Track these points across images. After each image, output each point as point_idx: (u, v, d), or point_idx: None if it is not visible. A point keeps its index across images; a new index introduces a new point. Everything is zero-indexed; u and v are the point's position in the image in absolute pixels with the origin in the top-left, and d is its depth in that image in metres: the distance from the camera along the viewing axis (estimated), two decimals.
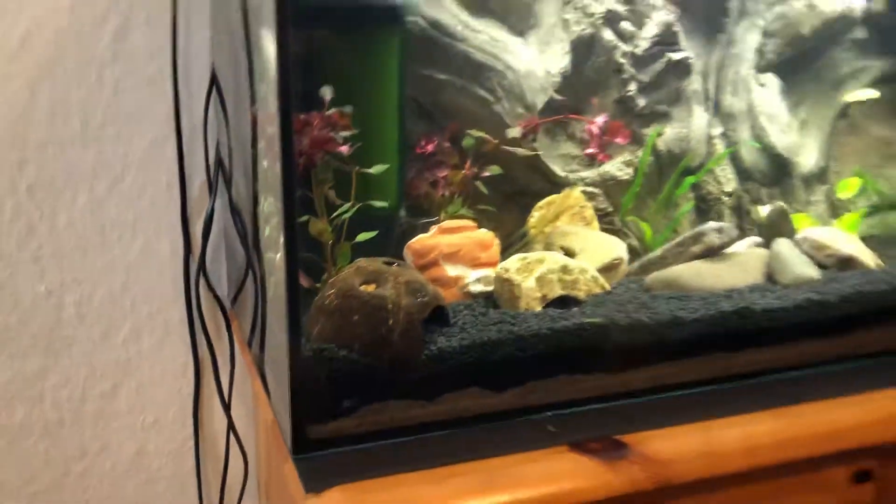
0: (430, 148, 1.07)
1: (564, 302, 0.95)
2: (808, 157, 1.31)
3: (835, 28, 1.25)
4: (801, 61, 1.28)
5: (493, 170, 1.08)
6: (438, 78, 1.07)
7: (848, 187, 1.26)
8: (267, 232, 0.84)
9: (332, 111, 0.86)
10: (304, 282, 0.85)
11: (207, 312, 1.19)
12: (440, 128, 1.08)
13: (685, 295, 1.00)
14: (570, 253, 1.02)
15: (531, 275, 0.93)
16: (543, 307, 0.93)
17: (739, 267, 1.07)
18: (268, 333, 0.93)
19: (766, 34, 1.25)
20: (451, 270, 0.94)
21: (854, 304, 1.02)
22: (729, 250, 1.09)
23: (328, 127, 0.83)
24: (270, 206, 0.80)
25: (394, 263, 0.86)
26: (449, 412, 0.84)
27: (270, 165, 0.80)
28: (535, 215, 1.13)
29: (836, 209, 1.35)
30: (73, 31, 1.06)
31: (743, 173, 1.27)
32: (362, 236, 0.92)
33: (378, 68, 0.96)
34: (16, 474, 1.14)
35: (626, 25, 1.14)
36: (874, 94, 1.26)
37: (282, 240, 0.76)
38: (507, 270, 0.94)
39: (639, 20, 1.15)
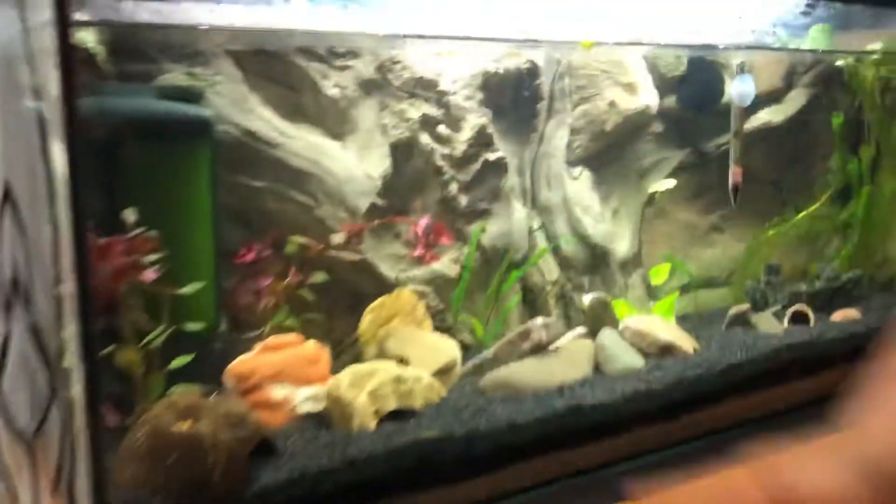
0: (249, 257, 1.02)
1: (401, 414, 0.92)
2: (622, 244, 1.37)
3: (635, 123, 1.33)
4: (608, 155, 1.35)
5: (317, 277, 1.04)
6: (255, 185, 1.03)
7: (659, 273, 1.33)
8: (66, 363, 0.75)
9: (137, 233, 0.80)
10: (111, 419, 0.77)
11: (6, 447, 1.06)
12: (261, 236, 1.04)
13: (519, 396, 0.99)
14: (404, 360, 0.99)
15: (363, 390, 0.89)
16: (378, 423, 0.89)
17: (568, 361, 1.08)
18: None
19: (574, 131, 1.31)
20: (278, 392, 0.89)
21: (677, 391, 1.06)
22: (557, 343, 1.10)
23: (132, 253, 0.77)
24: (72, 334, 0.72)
25: (212, 393, 0.79)
26: None
27: (72, 291, 0.72)
28: (367, 319, 1.10)
29: (652, 291, 1.42)
30: None
31: (564, 263, 1.31)
32: (177, 362, 0.85)
33: (187, 181, 0.91)
34: None
35: (442, 129, 1.16)
36: (671, 183, 1.35)
37: (81, 376, 0.69)
38: (337, 387, 0.89)
39: (454, 124, 1.17)
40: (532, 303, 1.28)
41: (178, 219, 0.89)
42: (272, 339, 0.93)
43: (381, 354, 1.04)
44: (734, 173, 1.21)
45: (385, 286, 1.13)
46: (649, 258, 1.41)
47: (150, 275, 0.80)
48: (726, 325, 1.26)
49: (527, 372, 1.04)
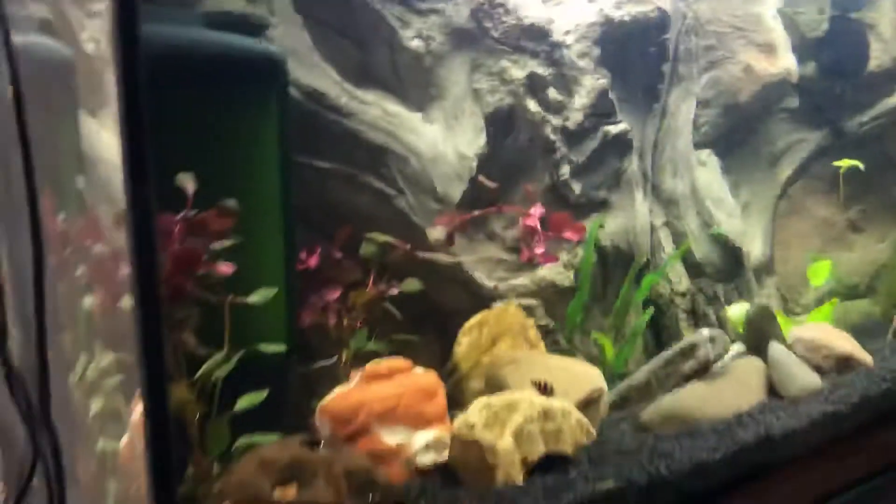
0: (312, 262, 0.76)
1: (550, 462, 0.65)
2: (755, 246, 1.12)
3: (772, 94, 1.09)
4: (737, 134, 1.11)
5: (409, 286, 0.78)
6: (320, 167, 0.78)
7: (818, 273, 1.07)
8: (95, 408, 0.49)
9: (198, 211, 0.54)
10: None
11: None
12: (327, 234, 0.78)
13: (694, 430, 0.73)
14: (548, 387, 0.72)
15: (504, 429, 0.63)
16: (528, 475, 0.63)
17: (738, 383, 0.83)
18: None
19: (702, 103, 1.06)
20: (390, 437, 0.62)
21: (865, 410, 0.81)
22: (719, 363, 0.85)
23: (199, 236, 0.51)
24: (98, 369, 0.46)
25: (316, 444, 0.53)
26: None
27: (104, 304, 0.53)
28: (464, 342, 0.84)
29: (786, 302, 1.16)
30: None
31: (694, 268, 1.05)
32: (245, 401, 0.58)
33: (251, 142, 0.65)
34: None
35: (553, 93, 0.91)
36: (856, 163, 1.09)
37: (145, 423, 0.44)
38: (469, 428, 0.63)
39: (567, 86, 0.93)
40: (656, 320, 1.02)
41: (235, 194, 0.62)
42: (375, 365, 0.66)
43: (491, 388, 0.77)
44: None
45: (481, 299, 0.87)
46: (781, 264, 1.15)
47: (224, 268, 0.54)
48: (894, 334, 1.01)
49: (697, 400, 0.78)
